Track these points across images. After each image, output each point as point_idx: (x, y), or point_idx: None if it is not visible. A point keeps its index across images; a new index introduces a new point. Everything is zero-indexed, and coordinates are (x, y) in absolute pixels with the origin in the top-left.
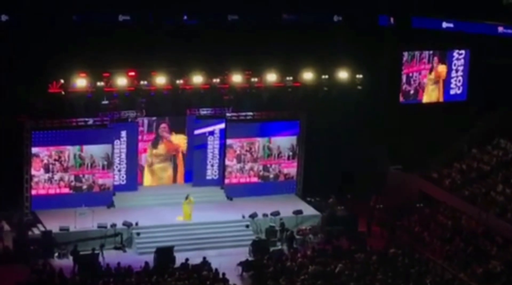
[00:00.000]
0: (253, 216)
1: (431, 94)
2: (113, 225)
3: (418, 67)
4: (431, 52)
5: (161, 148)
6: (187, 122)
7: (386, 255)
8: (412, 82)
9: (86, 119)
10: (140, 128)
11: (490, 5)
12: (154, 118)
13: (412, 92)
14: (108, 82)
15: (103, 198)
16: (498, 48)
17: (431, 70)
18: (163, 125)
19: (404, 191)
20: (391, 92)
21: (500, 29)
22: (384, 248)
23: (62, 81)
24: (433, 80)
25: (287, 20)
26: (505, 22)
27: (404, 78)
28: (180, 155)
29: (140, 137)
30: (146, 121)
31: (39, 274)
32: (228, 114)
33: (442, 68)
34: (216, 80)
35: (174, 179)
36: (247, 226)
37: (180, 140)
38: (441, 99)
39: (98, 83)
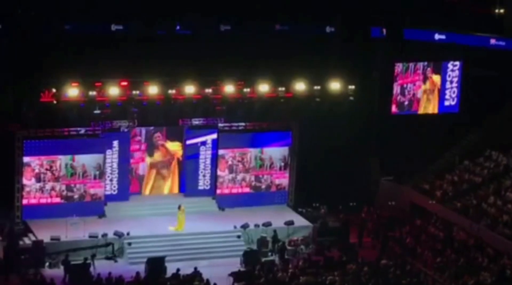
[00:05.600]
0: (244, 226)
1: (427, 105)
2: (105, 235)
3: (412, 78)
4: (425, 63)
5: (158, 156)
6: (183, 131)
7: (377, 266)
8: (406, 93)
9: (78, 129)
10: (138, 138)
11: (482, 17)
12: (152, 128)
13: (406, 103)
14: (100, 91)
15: (94, 208)
16: (490, 60)
17: (425, 80)
18: (157, 134)
19: (396, 202)
20: (383, 103)
21: (492, 41)
22: (376, 259)
23: (54, 90)
24: (428, 90)
25: (280, 30)
26: (497, 34)
27: (398, 89)
28: (175, 162)
29: (138, 147)
30: (144, 131)
31: (30, 284)
32: (220, 125)
33: (436, 78)
34: (209, 90)
35: (171, 188)
36: (239, 236)
37: (175, 147)
38: (435, 111)
39: (90, 93)
